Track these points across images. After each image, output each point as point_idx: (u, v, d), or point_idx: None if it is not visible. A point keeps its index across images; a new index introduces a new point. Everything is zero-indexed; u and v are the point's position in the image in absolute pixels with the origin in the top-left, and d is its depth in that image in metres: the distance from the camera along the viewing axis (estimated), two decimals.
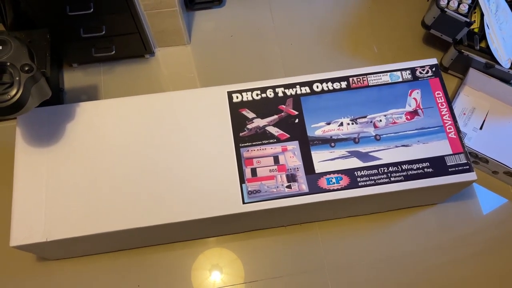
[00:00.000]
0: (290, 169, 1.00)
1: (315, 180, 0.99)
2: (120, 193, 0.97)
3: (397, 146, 1.03)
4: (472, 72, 1.29)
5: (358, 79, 1.09)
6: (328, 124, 1.04)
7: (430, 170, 1.00)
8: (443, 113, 1.06)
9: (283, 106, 1.06)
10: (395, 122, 1.05)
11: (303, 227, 1.17)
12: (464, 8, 1.22)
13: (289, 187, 0.98)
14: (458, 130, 1.04)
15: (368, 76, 1.10)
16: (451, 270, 1.13)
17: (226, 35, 1.43)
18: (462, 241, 1.17)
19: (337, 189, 0.98)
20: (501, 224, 1.19)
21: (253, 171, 0.99)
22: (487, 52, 1.25)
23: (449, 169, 1.00)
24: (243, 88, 1.08)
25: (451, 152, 1.02)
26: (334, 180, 0.99)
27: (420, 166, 1.00)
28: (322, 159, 1.01)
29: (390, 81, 1.09)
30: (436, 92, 1.08)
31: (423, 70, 1.10)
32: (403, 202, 1.14)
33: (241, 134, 1.03)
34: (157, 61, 1.38)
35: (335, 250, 1.15)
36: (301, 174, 0.99)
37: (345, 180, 0.99)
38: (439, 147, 1.02)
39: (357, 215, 1.18)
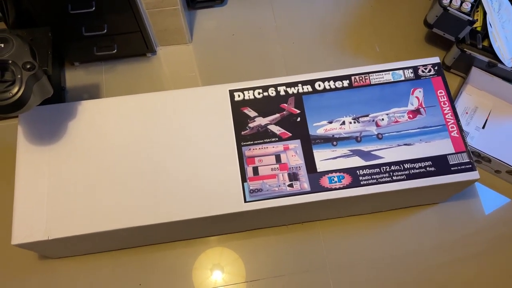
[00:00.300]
0: (292, 167, 1.00)
1: (317, 179, 0.98)
2: (122, 191, 0.97)
3: (399, 145, 1.02)
4: (475, 71, 1.29)
5: (360, 78, 1.09)
6: (330, 122, 1.04)
7: (433, 169, 0.99)
8: (445, 112, 1.05)
9: (285, 104, 1.06)
10: (397, 121, 1.05)
11: (304, 226, 1.17)
12: (466, 6, 1.21)
13: (291, 186, 0.98)
14: (460, 129, 1.03)
15: (370, 74, 1.09)
16: (453, 269, 1.13)
17: (227, 34, 1.43)
18: (464, 240, 1.16)
19: (339, 188, 0.98)
20: (503, 223, 1.19)
21: (255, 170, 0.99)
22: (489, 51, 1.24)
23: (452, 168, 1.00)
24: (245, 87, 1.08)
25: (454, 151, 1.01)
26: (336, 179, 0.98)
27: (423, 165, 1.00)
28: (324, 158, 1.01)
29: (392, 80, 1.09)
30: (439, 91, 1.08)
31: (426, 68, 1.10)
32: (405, 201, 1.14)
33: (243, 132, 1.03)
34: (159, 60, 1.38)
35: (337, 249, 1.14)
36: (303, 173, 0.99)
37: (347, 179, 0.99)
38: (441, 146, 1.02)
39: (359, 214, 1.18)
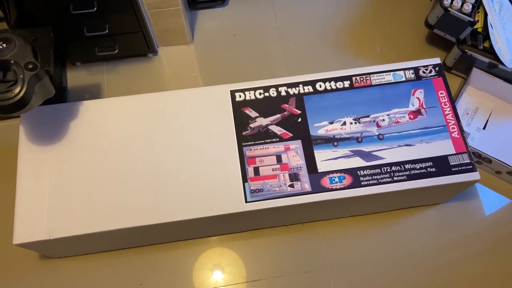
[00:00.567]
0: (293, 168, 1.00)
1: (318, 179, 0.99)
2: (123, 191, 0.97)
3: (400, 146, 1.02)
4: (476, 72, 1.29)
5: (361, 79, 1.09)
6: (331, 123, 1.04)
7: (433, 169, 1.00)
8: (446, 112, 1.06)
9: (286, 105, 1.06)
10: (398, 122, 1.05)
11: (305, 227, 1.17)
12: (467, 7, 1.21)
13: (291, 186, 0.98)
14: (461, 130, 1.04)
15: (371, 75, 1.09)
16: (454, 270, 1.13)
17: (229, 34, 1.43)
18: (464, 241, 1.16)
19: (340, 189, 0.98)
20: (504, 224, 1.19)
21: (256, 170, 0.99)
22: (490, 51, 1.24)
23: (452, 169, 1.00)
24: (246, 87, 1.08)
25: (454, 152, 1.01)
26: (337, 179, 0.99)
27: (423, 166, 1.00)
28: (325, 158, 1.01)
29: (393, 81, 1.09)
30: (440, 92, 1.08)
31: (427, 69, 1.10)
32: (405, 201, 1.14)
33: (244, 133, 1.03)
34: (160, 60, 1.38)
35: (338, 249, 1.14)
36: (303, 173, 0.99)
37: (348, 180, 0.99)
38: (442, 147, 1.02)
39: (359, 214, 1.18)
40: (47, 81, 0.94)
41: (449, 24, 1.26)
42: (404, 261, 1.14)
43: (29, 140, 1.01)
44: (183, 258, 1.14)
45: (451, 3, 1.23)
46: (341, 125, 1.04)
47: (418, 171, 0.99)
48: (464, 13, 1.22)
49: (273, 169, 1.00)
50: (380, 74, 1.10)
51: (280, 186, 0.98)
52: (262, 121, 1.04)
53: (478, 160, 1.22)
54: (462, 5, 1.22)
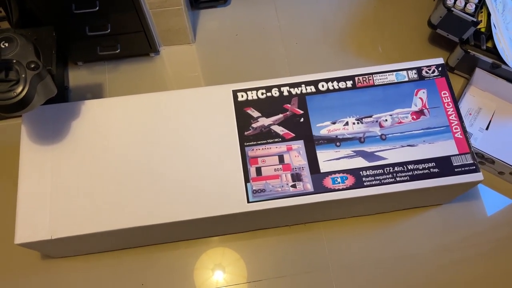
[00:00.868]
0: (295, 168, 0.99)
1: (320, 180, 0.98)
2: (125, 191, 0.97)
3: (402, 146, 1.02)
4: (478, 72, 1.28)
5: (364, 79, 1.09)
6: (334, 123, 1.04)
7: (436, 170, 0.99)
8: (449, 113, 1.05)
9: (288, 105, 1.06)
10: (400, 122, 1.04)
11: (307, 227, 1.17)
12: (471, 7, 1.21)
13: (294, 186, 0.98)
14: (464, 130, 1.03)
15: (373, 75, 1.09)
16: (456, 270, 1.13)
17: (231, 34, 1.43)
18: (467, 241, 1.16)
19: (342, 189, 0.97)
20: (506, 225, 1.18)
21: (258, 170, 0.99)
22: (493, 52, 1.24)
23: (455, 169, 0.99)
24: (248, 87, 1.08)
25: (457, 152, 1.01)
26: (339, 180, 0.98)
27: (426, 166, 1.00)
28: (327, 159, 1.00)
29: (396, 81, 1.09)
30: (443, 92, 1.07)
31: (429, 69, 1.10)
32: (408, 202, 1.14)
33: (246, 133, 1.03)
34: (162, 60, 1.38)
35: (340, 250, 1.14)
36: (306, 174, 0.99)
37: (350, 180, 0.98)
38: (445, 147, 1.02)
39: (362, 215, 1.18)
40: (49, 81, 0.94)
41: (452, 24, 1.25)
42: (406, 261, 1.13)
43: (31, 140, 1.01)
44: (184, 258, 1.13)
45: (454, 3, 1.22)
46: (344, 125, 1.04)
47: (421, 172, 0.99)
48: (467, 13, 1.21)
49: (275, 169, 0.99)
50: (383, 74, 1.09)
51: (282, 186, 0.98)
52: (264, 121, 1.04)
53: (480, 160, 1.22)
54: (465, 5, 1.22)
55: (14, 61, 0.88)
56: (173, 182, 0.98)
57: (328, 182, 0.98)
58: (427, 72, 1.10)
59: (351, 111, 1.05)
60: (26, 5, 1.10)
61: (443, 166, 0.99)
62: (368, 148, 1.02)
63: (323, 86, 1.08)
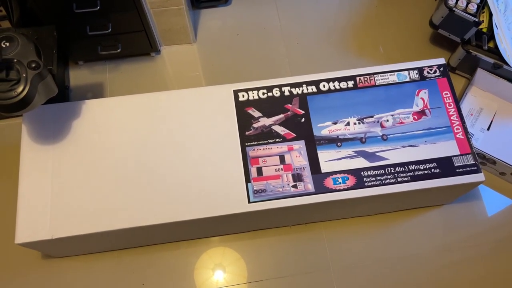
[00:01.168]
0: (296, 168, 0.99)
1: (321, 180, 0.98)
2: (125, 191, 0.97)
3: (404, 146, 1.02)
4: (480, 73, 1.28)
5: (365, 79, 1.08)
6: (335, 123, 1.04)
7: (438, 170, 0.99)
8: (450, 113, 1.05)
9: (289, 105, 1.06)
10: (402, 122, 1.04)
11: (308, 227, 1.16)
12: (472, 7, 1.21)
13: (295, 186, 0.98)
14: (466, 131, 1.03)
15: (375, 75, 1.09)
16: (457, 271, 1.12)
17: (232, 33, 1.42)
18: (468, 242, 1.16)
19: (343, 189, 0.97)
20: (507, 225, 1.18)
21: (259, 170, 0.99)
22: (495, 52, 1.24)
23: (457, 170, 0.99)
24: (249, 87, 1.07)
25: (459, 153, 1.01)
26: (340, 180, 0.98)
27: (427, 167, 0.99)
28: (328, 159, 1.00)
29: (397, 81, 1.08)
30: (444, 92, 1.07)
31: (431, 70, 1.09)
32: (409, 202, 1.13)
33: (247, 133, 1.03)
34: (163, 60, 1.38)
35: (341, 250, 1.14)
36: (307, 174, 0.99)
37: (351, 180, 0.98)
38: (446, 148, 1.01)
39: (362, 215, 1.18)
40: (50, 80, 0.94)
41: (454, 24, 1.25)
42: (407, 262, 1.13)
43: (32, 139, 1.01)
44: (184, 257, 1.13)
45: (456, 3, 1.22)
46: (345, 126, 1.03)
47: (422, 172, 0.99)
48: (469, 13, 1.21)
49: (276, 170, 0.99)
50: (384, 74, 1.09)
51: (283, 186, 0.98)
52: (265, 121, 1.04)
53: (482, 161, 1.21)
54: (467, 5, 1.21)
55: (15, 60, 0.88)
56: (173, 182, 0.98)
57: (329, 182, 0.98)
58: (428, 72, 1.09)
59: (352, 111, 1.05)
60: (27, 5, 1.10)
61: (445, 166, 0.99)
62: (369, 149, 1.02)
63: (324, 86, 1.08)
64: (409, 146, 1.02)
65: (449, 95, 1.07)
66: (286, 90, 1.07)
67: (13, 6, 1.08)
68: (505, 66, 1.22)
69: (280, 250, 1.14)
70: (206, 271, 1.12)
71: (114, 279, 1.11)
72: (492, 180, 1.23)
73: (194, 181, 0.98)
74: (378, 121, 1.04)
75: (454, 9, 1.21)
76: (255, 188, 0.97)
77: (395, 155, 1.01)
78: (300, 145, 1.02)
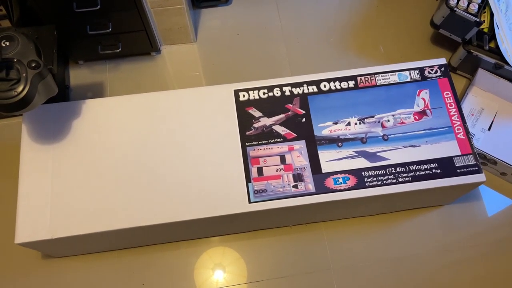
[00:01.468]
0: (297, 168, 0.99)
1: (322, 180, 0.98)
2: (126, 190, 0.97)
3: (405, 147, 1.02)
4: (481, 73, 1.28)
5: (366, 79, 1.08)
6: (336, 123, 1.04)
7: (438, 171, 0.99)
8: (451, 113, 1.05)
9: (290, 105, 1.06)
10: (403, 122, 1.04)
11: (308, 227, 1.16)
12: (473, 7, 1.20)
13: (295, 186, 0.97)
14: (467, 131, 1.03)
15: (376, 75, 1.09)
16: (457, 271, 1.12)
17: (232, 33, 1.42)
18: (468, 242, 1.16)
19: (344, 189, 0.97)
20: (508, 225, 1.18)
21: (259, 170, 0.99)
22: (496, 52, 1.23)
23: (458, 170, 0.99)
24: (250, 87, 1.07)
25: (460, 153, 1.01)
26: (341, 180, 0.98)
27: (428, 167, 0.99)
28: (329, 159, 1.00)
29: (398, 81, 1.08)
30: (445, 92, 1.07)
31: (432, 70, 1.09)
32: (410, 203, 1.13)
33: (247, 133, 1.02)
34: (163, 59, 1.38)
35: (341, 250, 1.14)
36: (307, 174, 0.98)
37: (352, 180, 0.98)
38: (447, 148, 1.01)
39: (363, 215, 1.17)
40: (50, 80, 0.94)
41: (455, 24, 1.25)
42: (408, 262, 1.13)
43: (32, 139, 1.01)
44: (184, 257, 1.13)
45: (457, 3, 1.22)
46: (346, 126, 1.03)
47: (423, 173, 0.99)
48: (470, 13, 1.21)
49: (276, 170, 0.99)
50: (385, 74, 1.09)
51: (283, 186, 0.97)
52: (266, 121, 1.04)
53: (483, 161, 1.21)
54: (468, 5, 1.21)
55: (15, 60, 0.87)
56: (174, 182, 0.98)
57: (329, 182, 0.98)
58: (429, 73, 1.09)
59: (353, 111, 1.05)
60: (27, 4, 1.10)
61: (446, 167, 0.99)
62: (370, 149, 1.01)
63: (325, 86, 1.07)
64: (410, 146, 1.02)
65: (450, 95, 1.07)
66: (286, 90, 1.07)
67: (13, 6, 1.07)
68: (506, 66, 1.22)
69: (281, 250, 1.14)
70: (206, 271, 1.12)
71: (114, 279, 1.10)
72: (493, 181, 1.23)
73: (195, 181, 0.98)
74: (379, 121, 1.04)
75: (455, 9, 1.21)
76: (255, 188, 0.97)
77: (396, 155, 1.01)
78: (300, 145, 1.01)
